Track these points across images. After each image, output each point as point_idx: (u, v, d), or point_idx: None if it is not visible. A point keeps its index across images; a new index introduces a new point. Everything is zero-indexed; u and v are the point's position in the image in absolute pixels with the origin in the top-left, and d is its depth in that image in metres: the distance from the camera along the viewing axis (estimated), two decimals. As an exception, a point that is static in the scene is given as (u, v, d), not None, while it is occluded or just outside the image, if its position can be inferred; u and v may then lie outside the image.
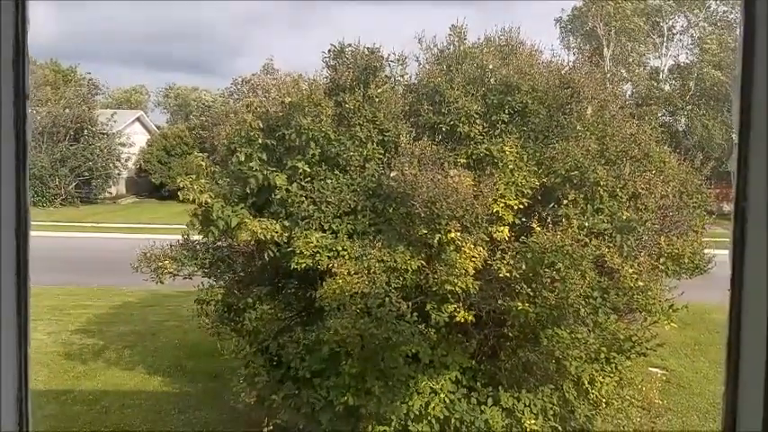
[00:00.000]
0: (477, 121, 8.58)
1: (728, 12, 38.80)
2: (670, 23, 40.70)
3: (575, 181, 8.22)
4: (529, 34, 11.54)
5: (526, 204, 8.29)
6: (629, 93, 36.51)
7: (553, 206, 8.40)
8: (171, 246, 9.91)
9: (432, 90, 9.03)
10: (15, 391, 1.15)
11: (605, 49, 37.89)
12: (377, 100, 8.85)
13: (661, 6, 39.67)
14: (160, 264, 9.57)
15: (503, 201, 8.13)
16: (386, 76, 9.30)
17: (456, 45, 9.73)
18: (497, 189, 8.12)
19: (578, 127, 8.68)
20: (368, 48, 9.14)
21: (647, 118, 10.27)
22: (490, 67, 9.05)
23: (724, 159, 29.99)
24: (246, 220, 8.60)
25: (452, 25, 9.74)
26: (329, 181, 8.58)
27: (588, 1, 39.05)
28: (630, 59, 39.48)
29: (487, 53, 9.30)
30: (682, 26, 40.97)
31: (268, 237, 8.52)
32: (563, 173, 8.22)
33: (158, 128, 48.15)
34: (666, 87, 40.20)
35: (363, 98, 8.87)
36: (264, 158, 8.92)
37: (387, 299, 7.82)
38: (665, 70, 41.01)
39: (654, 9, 39.92)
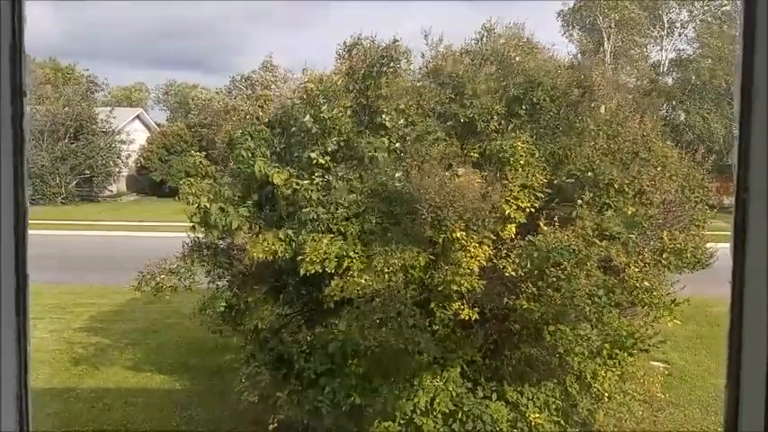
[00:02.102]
0: (495, 117, 8.57)
1: (729, 6, 38.70)
2: (671, 16, 40.60)
3: (588, 181, 8.19)
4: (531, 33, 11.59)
5: (538, 207, 8.28)
6: (630, 85, 36.39)
7: (559, 204, 8.39)
8: (166, 260, 9.74)
9: (453, 80, 8.99)
10: (15, 390, 1.14)
11: (605, 42, 37.79)
12: (386, 92, 8.78)
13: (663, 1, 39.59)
14: (158, 280, 9.52)
15: (516, 203, 8.10)
16: (398, 67, 9.25)
17: (484, 42, 9.79)
18: (511, 191, 8.09)
19: (591, 126, 8.65)
20: (393, 38, 9.14)
21: (648, 112, 10.23)
22: (517, 59, 9.06)
23: (724, 152, 29.95)
24: (245, 229, 8.56)
25: (483, 24, 9.91)
26: (348, 178, 8.47)
27: None
28: (631, 52, 39.35)
29: (513, 46, 9.36)
30: (683, 19, 40.88)
31: (270, 258, 8.45)
32: (577, 173, 8.21)
33: (158, 125, 48.12)
34: (669, 81, 40.13)
35: (375, 89, 8.80)
36: (267, 154, 8.88)
37: (404, 308, 7.81)
38: (667, 63, 40.94)
39: (655, 2, 39.81)
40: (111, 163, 40.96)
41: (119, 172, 42.56)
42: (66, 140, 39.13)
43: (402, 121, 8.62)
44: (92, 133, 39.93)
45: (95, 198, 40.69)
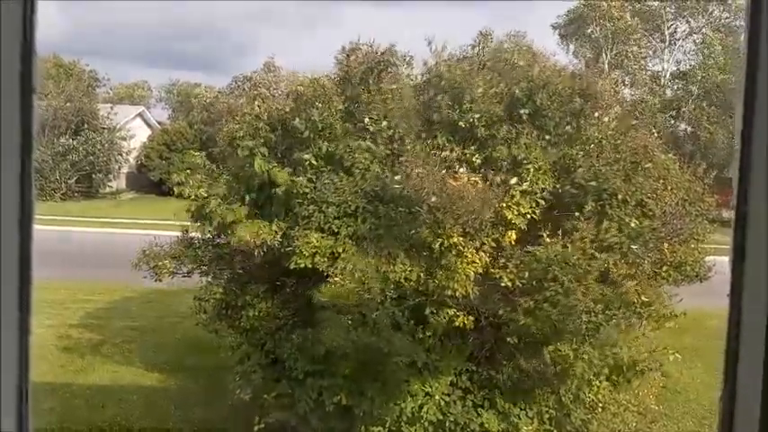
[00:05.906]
0: (504, 126, 8.53)
1: (730, 18, 38.76)
2: (672, 28, 40.63)
3: (592, 191, 8.16)
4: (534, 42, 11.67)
5: (539, 215, 8.24)
6: (629, 97, 36.37)
7: (561, 213, 8.37)
8: (170, 245, 9.87)
9: (452, 86, 8.99)
10: (15, 390, 1.13)
11: (603, 54, 37.76)
12: (386, 96, 8.78)
13: (661, 11, 39.60)
14: (159, 263, 9.55)
15: (517, 208, 8.05)
16: (396, 72, 9.27)
17: (480, 47, 9.83)
18: (513, 196, 8.05)
19: (595, 134, 8.63)
20: (390, 44, 9.19)
21: (651, 129, 10.24)
22: (521, 63, 9.06)
23: (726, 165, 29.93)
24: (241, 222, 8.56)
25: (480, 31, 9.96)
26: (333, 180, 8.49)
27: (583, 3, 38.81)
28: (626, 62, 39.26)
29: (518, 53, 9.41)
30: (683, 31, 40.90)
31: (259, 242, 8.48)
32: (582, 182, 8.18)
33: (160, 124, 48.11)
34: (668, 93, 40.14)
35: (372, 93, 8.81)
36: (266, 153, 8.90)
37: (382, 307, 7.78)
38: (668, 75, 40.93)
39: (654, 13, 39.83)
40: (111, 160, 40.93)
41: (119, 169, 42.53)
42: (67, 136, 39.07)
43: (384, 123, 8.62)
44: (93, 129, 39.89)
45: (94, 195, 40.62)
